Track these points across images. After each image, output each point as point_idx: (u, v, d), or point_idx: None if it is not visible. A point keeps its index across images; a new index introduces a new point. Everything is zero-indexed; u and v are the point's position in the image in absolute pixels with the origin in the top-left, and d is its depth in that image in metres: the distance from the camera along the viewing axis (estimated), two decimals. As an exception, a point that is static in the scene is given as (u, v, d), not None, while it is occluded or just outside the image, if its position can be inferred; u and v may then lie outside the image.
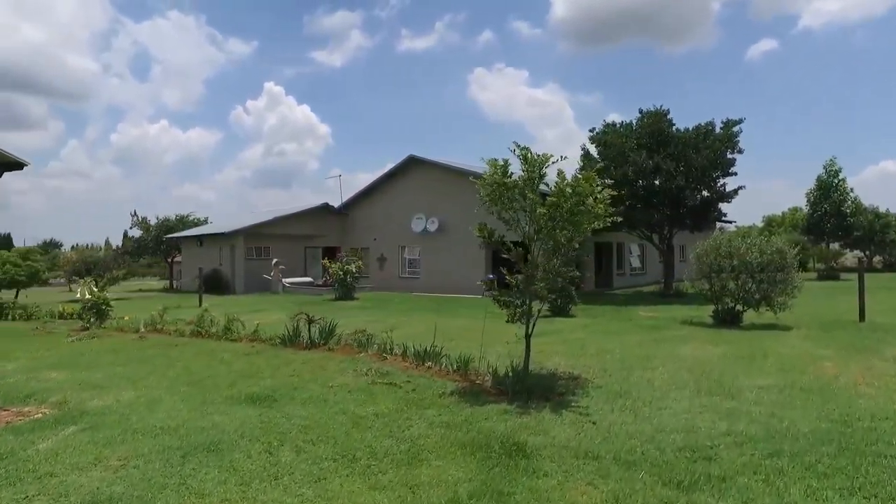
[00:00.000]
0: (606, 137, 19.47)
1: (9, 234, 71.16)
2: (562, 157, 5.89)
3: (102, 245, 72.30)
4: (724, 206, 20.36)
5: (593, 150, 20.55)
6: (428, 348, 8.07)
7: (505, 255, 6.60)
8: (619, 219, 6.35)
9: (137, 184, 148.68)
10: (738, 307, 11.47)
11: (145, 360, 8.65)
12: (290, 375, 7.36)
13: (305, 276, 29.99)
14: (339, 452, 4.40)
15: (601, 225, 6.19)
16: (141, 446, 4.55)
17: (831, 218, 31.98)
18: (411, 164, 27.73)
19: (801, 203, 38.59)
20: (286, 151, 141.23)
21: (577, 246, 6.47)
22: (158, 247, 33.76)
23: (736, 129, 18.70)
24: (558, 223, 6.04)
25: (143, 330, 11.88)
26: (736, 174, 19.35)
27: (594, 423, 4.99)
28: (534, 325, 6.47)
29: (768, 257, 10.92)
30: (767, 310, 11.32)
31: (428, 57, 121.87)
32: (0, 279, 19.34)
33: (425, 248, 27.27)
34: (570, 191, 5.73)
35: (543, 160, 5.84)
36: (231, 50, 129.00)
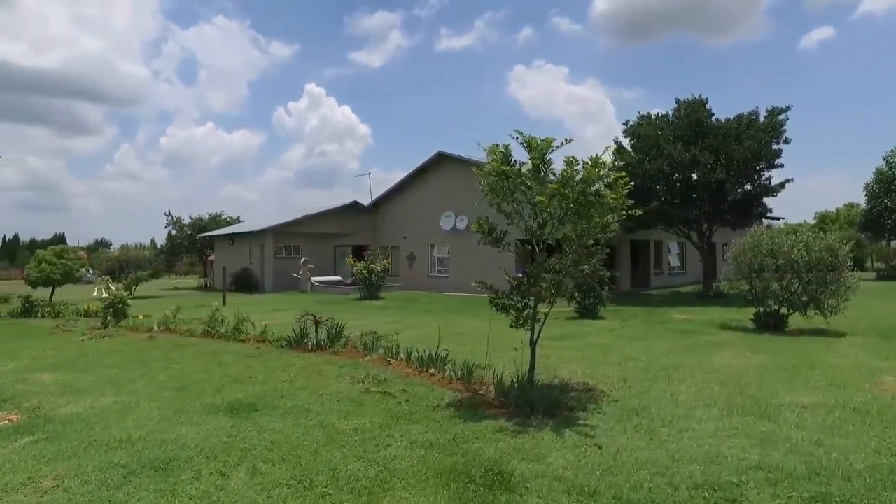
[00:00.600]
0: (640, 129, 18.39)
1: (62, 234, 74.47)
2: (566, 140, 5.18)
3: (148, 244, 74.73)
4: (769, 202, 18.98)
5: (627, 143, 19.48)
6: (433, 353, 7.50)
7: (510, 253, 5.96)
8: (638, 212, 5.57)
9: (184, 185, 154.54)
10: (783, 310, 10.40)
11: (144, 361, 8.39)
12: (283, 381, 6.92)
13: (335, 274, 29.85)
14: (298, 476, 3.86)
15: (616, 218, 5.45)
16: (87, 463, 4.13)
17: (893, 213, 29.58)
18: (440, 161, 27.15)
19: (858, 199, 36.03)
20: (327, 152, 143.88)
21: (590, 242, 5.73)
22: (193, 245, 34.39)
23: (782, 117, 17.31)
24: (567, 215, 5.34)
25: (156, 329, 11.75)
26: (782, 166, 17.92)
27: (599, 448, 4.29)
28: (540, 330, 5.78)
29: (817, 255, 9.82)
30: (816, 313, 10.21)
31: (467, 55, 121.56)
32: (36, 277, 19.84)
33: (454, 246, 26.65)
34: (577, 178, 5.01)
35: (546, 145, 5.14)
36: (273, 53, 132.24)
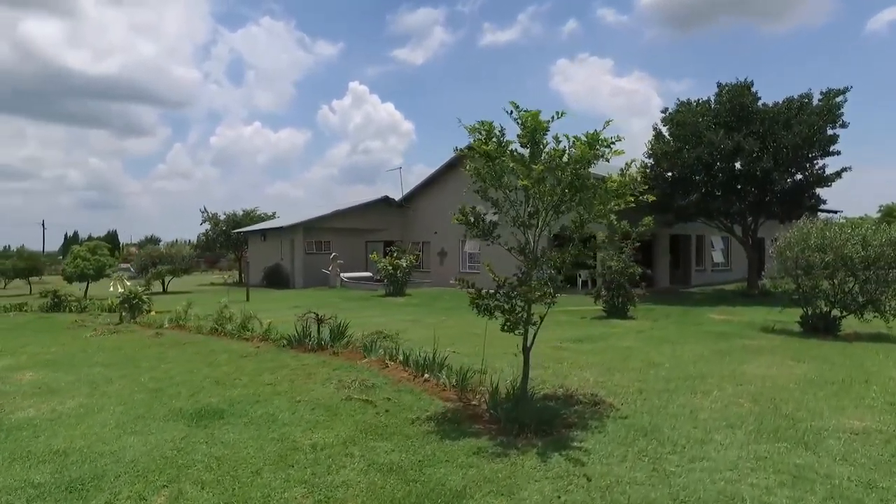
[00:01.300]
0: (679, 116, 17.12)
1: (115, 231, 77.63)
2: (558, 113, 4.41)
3: (194, 241, 76.93)
4: (824, 193, 17.34)
5: (666, 132, 18.20)
6: (432, 357, 6.91)
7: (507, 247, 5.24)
8: (651, 198, 4.77)
9: (233, 183, 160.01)
10: (835, 312, 9.23)
11: (136, 360, 8.11)
12: (266, 384, 6.46)
13: (366, 270, 29.60)
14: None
15: (622, 205, 4.66)
16: (1, 480, 3.70)
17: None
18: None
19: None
20: (371, 149, 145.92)
21: (594, 235, 4.96)
22: (228, 241, 34.85)
23: (839, 99, 15.73)
24: (563, 202, 4.59)
25: (166, 326, 11.58)
26: (839, 153, 16.30)
27: (588, 480, 3.55)
28: (535, 334, 5.04)
29: (876, 250, 8.62)
30: (875, 316, 9.01)
31: (510, 50, 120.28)
32: (71, 272, 20.32)
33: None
34: (567, 157, 4.25)
35: (534, 119, 4.39)
36: (319, 52, 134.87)
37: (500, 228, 5.28)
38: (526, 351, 4.98)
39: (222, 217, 35.05)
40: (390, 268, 20.99)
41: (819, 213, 19.46)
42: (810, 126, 15.37)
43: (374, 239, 30.53)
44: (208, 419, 5.10)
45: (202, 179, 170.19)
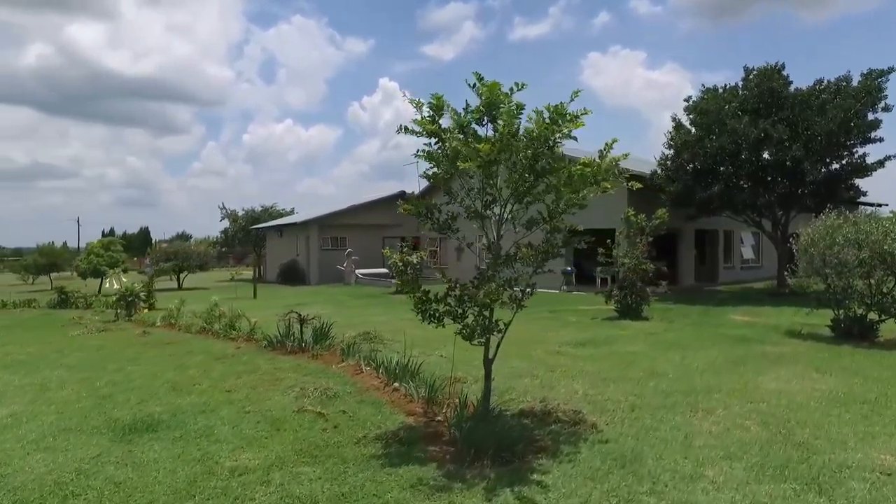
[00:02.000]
0: (703, 104, 15.98)
1: (147, 228, 79.44)
2: (518, 84, 3.69)
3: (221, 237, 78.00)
4: (865, 183, 15.94)
5: (687, 121, 17.05)
6: (406, 363, 6.32)
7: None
8: (637, 185, 4.03)
9: (264, 180, 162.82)
10: (872, 315, 8.23)
11: (107, 361, 7.77)
12: (225, 391, 6.01)
13: (383, 267, 29.17)
14: (83, 553, 2.75)
15: (600, 192, 3.94)
16: None
17: None
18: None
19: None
20: (402, 145, 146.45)
21: (570, 228, 4.25)
22: (247, 238, 34.91)
23: (881, 80, 14.37)
24: (526, 188, 3.90)
25: (157, 324, 11.29)
26: (881, 140, 14.91)
27: (534, 531, 2.87)
28: (498, 344, 4.36)
29: (921, 246, 7.60)
30: (919, 321, 7.99)
31: (541, 44, 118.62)
32: (84, 269, 20.44)
33: (504, 236, 25.07)
34: (525, 136, 3.55)
35: (491, 91, 3.69)
36: (349, 49, 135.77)
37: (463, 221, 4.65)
38: (488, 363, 4.30)
39: (241, 213, 35.14)
40: (400, 264, 20.42)
41: (861, 207, 18.04)
42: (847, 110, 14.07)
43: (392, 235, 30.06)
44: (138, 433, 4.61)
45: (235, 177, 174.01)
